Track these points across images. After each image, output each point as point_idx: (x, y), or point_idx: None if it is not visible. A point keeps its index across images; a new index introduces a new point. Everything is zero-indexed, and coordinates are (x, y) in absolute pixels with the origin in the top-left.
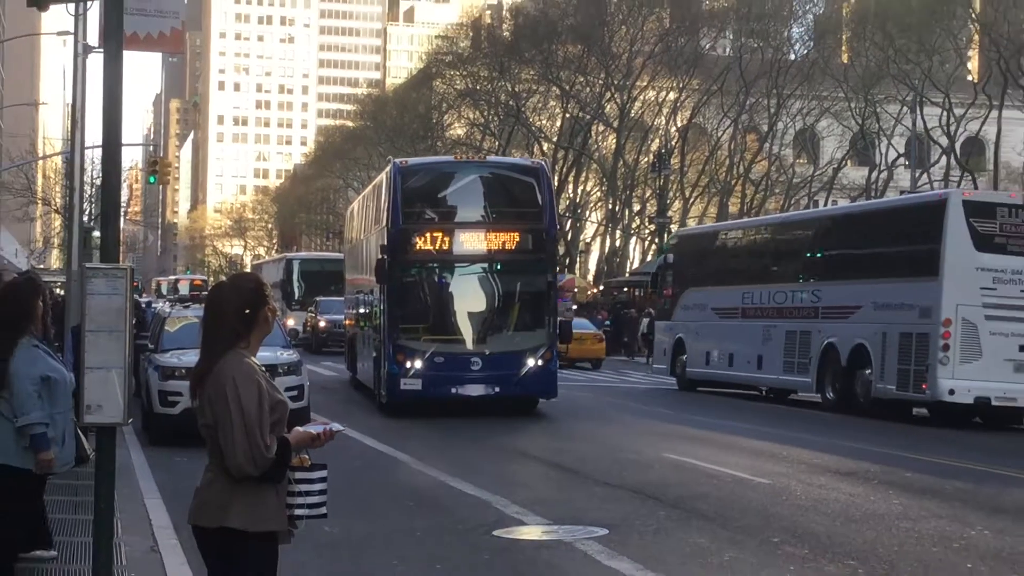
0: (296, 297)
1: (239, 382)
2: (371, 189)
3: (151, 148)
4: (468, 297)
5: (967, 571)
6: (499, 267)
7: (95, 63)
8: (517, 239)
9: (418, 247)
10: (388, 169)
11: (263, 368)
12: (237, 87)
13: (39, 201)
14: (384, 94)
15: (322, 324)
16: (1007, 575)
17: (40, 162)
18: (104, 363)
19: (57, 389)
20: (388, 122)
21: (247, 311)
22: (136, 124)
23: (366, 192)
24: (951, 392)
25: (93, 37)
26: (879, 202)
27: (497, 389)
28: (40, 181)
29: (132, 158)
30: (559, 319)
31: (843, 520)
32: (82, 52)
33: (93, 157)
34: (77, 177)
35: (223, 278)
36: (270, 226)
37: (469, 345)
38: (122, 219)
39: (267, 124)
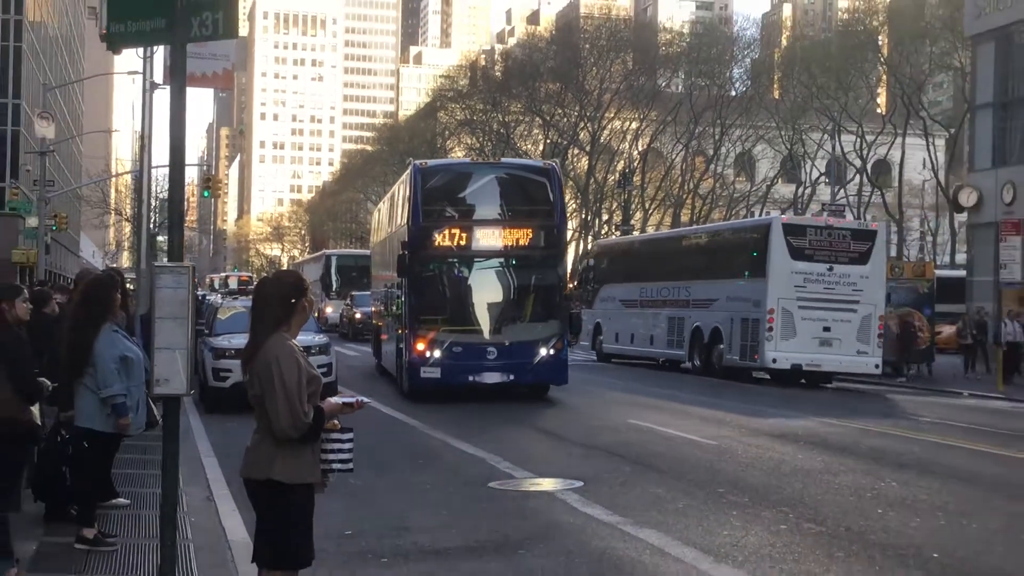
0: (334, 288)
1: (281, 360)
2: (394, 190)
3: (205, 168)
4: (484, 290)
5: (878, 516)
6: (513, 262)
7: (160, 97)
8: (530, 235)
9: (437, 243)
10: (409, 170)
11: (301, 348)
12: (276, 117)
13: (112, 211)
14: (397, 123)
15: (357, 316)
16: (911, 518)
17: (113, 179)
18: (170, 344)
19: (133, 366)
20: (400, 147)
21: (292, 300)
22: (193, 148)
23: (390, 193)
24: (774, 360)
25: (158, 75)
26: (728, 224)
27: (512, 377)
28: (113, 195)
29: (190, 176)
30: (570, 311)
31: (776, 474)
32: (149, 88)
33: (158, 176)
34: (145, 192)
35: (265, 275)
36: (303, 232)
37: (485, 335)
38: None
39: (300, 148)
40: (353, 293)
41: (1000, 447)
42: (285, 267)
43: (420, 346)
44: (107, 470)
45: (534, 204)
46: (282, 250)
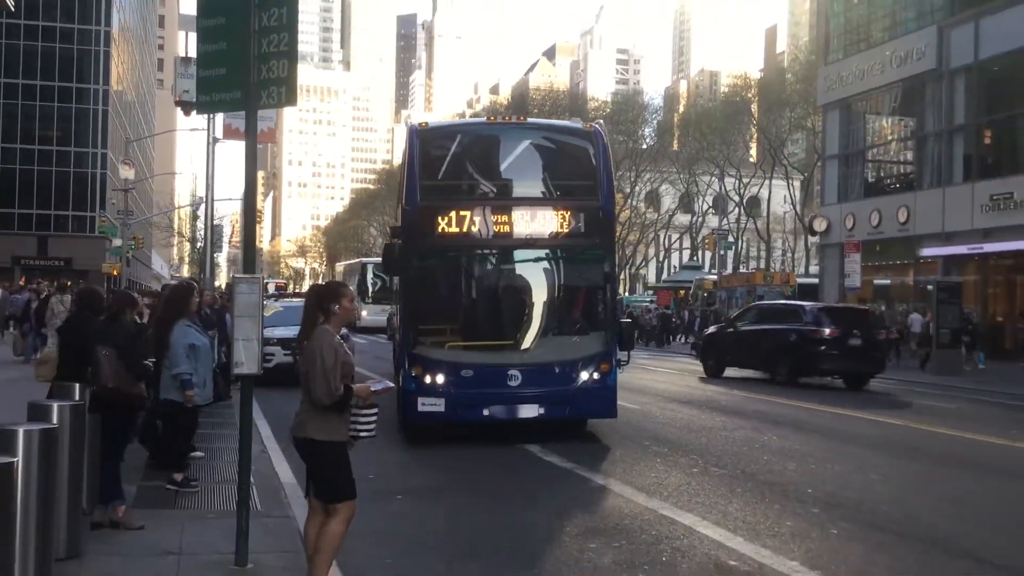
0: (369, 293)
1: (323, 346)
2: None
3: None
4: (504, 293)
5: (765, 461)
6: (545, 255)
7: (220, 148)
8: (567, 219)
9: (441, 229)
10: (406, 134)
11: (339, 339)
12: (300, 163)
13: (177, 234)
14: (392, 168)
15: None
16: (789, 463)
17: (176, 210)
18: (246, 336)
19: (199, 352)
20: (394, 185)
21: (328, 304)
22: (238, 186)
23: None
24: None
25: (218, 131)
26: None
27: (542, 411)
28: (176, 221)
29: (234, 207)
30: (619, 320)
31: (687, 431)
32: (212, 142)
33: (213, 210)
34: (209, 220)
35: (306, 283)
36: (321, 250)
37: (507, 354)
38: (227, 246)
39: (319, 187)
40: None
41: (852, 410)
42: (323, 277)
43: (417, 369)
44: (191, 431)
45: (572, 178)
46: (305, 263)
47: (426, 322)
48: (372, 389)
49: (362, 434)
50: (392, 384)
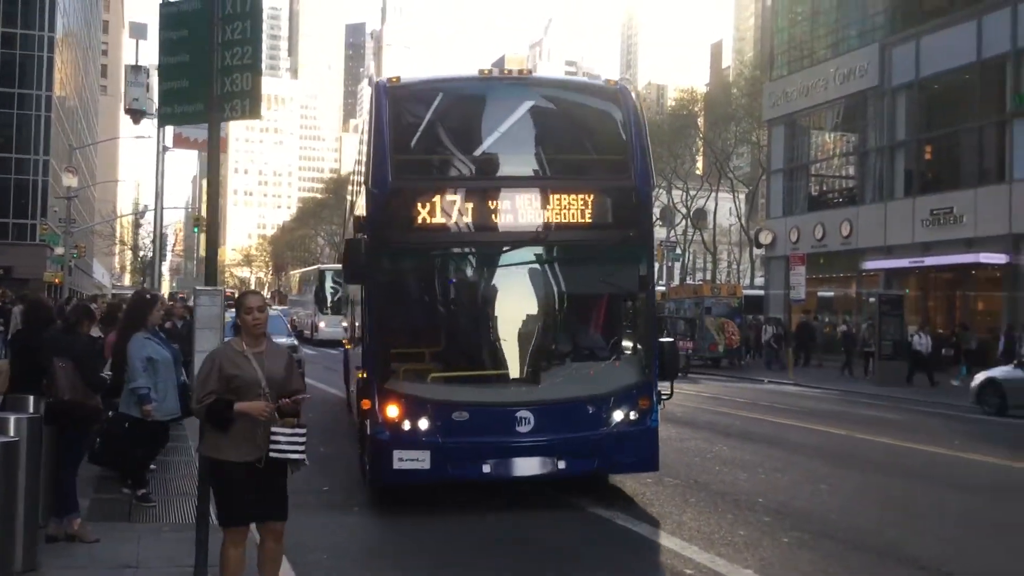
0: (328, 303)
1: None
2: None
3: (191, 210)
4: (508, 305)
5: (716, 472)
6: (561, 253)
7: (170, 157)
8: (591, 205)
9: (421, 220)
10: (372, 93)
11: (243, 351)
12: (246, 171)
13: (119, 242)
14: (340, 177)
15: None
16: (740, 473)
17: (119, 218)
18: (207, 348)
19: (158, 366)
20: (342, 194)
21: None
22: (182, 194)
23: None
24: None
25: (168, 139)
26: None
27: (561, 465)
28: (119, 229)
29: (178, 216)
30: (659, 339)
31: None
32: (162, 151)
33: (162, 218)
34: (158, 228)
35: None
36: (267, 259)
37: (512, 388)
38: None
39: (265, 195)
40: None
41: (797, 420)
42: (268, 286)
43: (390, 411)
44: (156, 446)
45: (595, 150)
46: (251, 272)
47: (402, 344)
48: (259, 409)
49: (291, 456)
50: (302, 396)
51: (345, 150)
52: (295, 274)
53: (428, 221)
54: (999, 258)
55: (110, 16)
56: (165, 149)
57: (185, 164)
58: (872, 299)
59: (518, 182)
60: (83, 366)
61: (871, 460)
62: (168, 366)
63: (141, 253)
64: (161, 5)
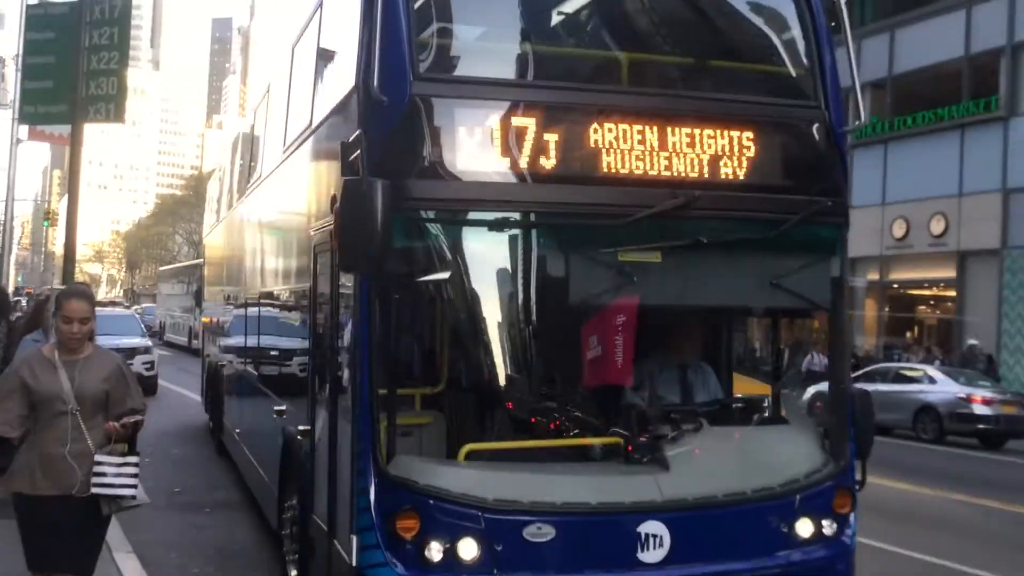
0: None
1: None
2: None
3: (40, 202)
4: (630, 324)
5: None
6: (718, 233)
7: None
8: (766, 149)
9: (464, 161)
10: None
11: (52, 358)
12: (101, 164)
13: None
14: (202, 174)
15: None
16: None
17: None
18: None
19: None
20: (203, 192)
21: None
22: (31, 186)
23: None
24: None
25: (22, 132)
26: None
27: None
28: None
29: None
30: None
31: None
32: (15, 143)
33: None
34: (7, 223)
35: (102, 289)
36: (120, 256)
37: (631, 481)
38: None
39: (120, 190)
40: None
41: None
42: (120, 283)
43: (401, 524)
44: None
45: (761, 59)
46: (103, 269)
47: (413, 384)
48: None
49: (121, 492)
50: (136, 417)
51: (208, 147)
52: (166, 270)
53: (476, 166)
54: None
55: None
56: (19, 142)
57: (36, 155)
58: None
59: (652, 100)
60: None
61: None
62: None
63: None
64: (28, 6)
